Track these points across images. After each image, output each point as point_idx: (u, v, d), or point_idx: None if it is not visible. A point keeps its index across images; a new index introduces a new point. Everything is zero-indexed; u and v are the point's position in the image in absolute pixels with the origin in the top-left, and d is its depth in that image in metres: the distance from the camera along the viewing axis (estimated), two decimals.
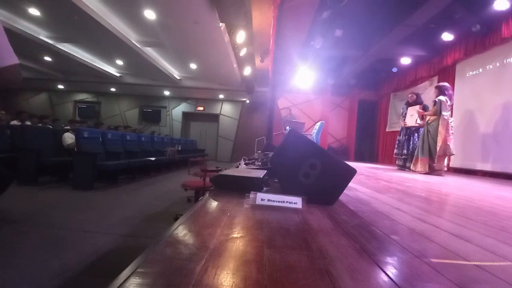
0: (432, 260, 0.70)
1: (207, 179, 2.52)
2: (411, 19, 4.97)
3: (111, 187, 4.62)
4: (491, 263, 0.73)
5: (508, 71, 4.74)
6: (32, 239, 2.18)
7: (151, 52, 8.66)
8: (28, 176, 4.27)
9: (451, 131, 4.34)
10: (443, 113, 4.30)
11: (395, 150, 5.41)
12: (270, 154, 2.28)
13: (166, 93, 13.13)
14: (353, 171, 1.29)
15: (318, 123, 6.93)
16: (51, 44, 7.92)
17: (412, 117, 5.04)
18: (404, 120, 5.24)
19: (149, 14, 6.16)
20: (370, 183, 2.59)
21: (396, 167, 5.40)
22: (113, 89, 13.10)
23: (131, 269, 0.52)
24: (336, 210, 1.21)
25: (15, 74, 1.22)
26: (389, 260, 0.69)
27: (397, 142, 5.41)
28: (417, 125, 4.94)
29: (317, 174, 1.27)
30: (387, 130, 9.09)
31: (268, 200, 1.14)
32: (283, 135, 5.97)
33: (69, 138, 5.15)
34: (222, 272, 0.54)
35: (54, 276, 1.60)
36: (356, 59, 7.38)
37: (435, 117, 4.39)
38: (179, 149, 8.59)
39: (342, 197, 1.46)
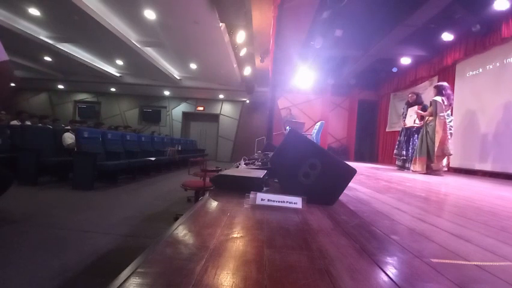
0: (432, 260, 0.70)
1: (207, 179, 2.52)
2: (411, 19, 4.97)
3: (111, 187, 4.62)
4: (491, 263, 0.73)
5: (508, 71, 4.74)
6: (32, 239, 2.18)
7: (151, 52, 8.66)
8: (28, 176, 4.27)
9: (448, 131, 4.34)
10: (439, 113, 4.30)
11: (395, 151, 5.42)
12: (270, 154, 2.28)
13: (166, 93, 13.13)
14: (353, 171, 1.29)
15: (318, 123, 6.93)
16: (51, 44, 7.93)
17: (411, 118, 5.04)
18: (404, 120, 5.25)
19: (149, 14, 6.16)
20: (370, 183, 2.59)
21: (396, 167, 5.41)
22: (113, 89, 13.10)
23: (131, 269, 0.52)
24: (336, 210, 1.21)
25: (6, 71, 1.22)
26: (389, 260, 0.69)
27: (397, 142, 5.42)
28: (416, 125, 4.95)
29: (317, 174, 1.27)
30: (387, 130, 9.09)
31: (268, 200, 1.14)
32: (283, 135, 5.97)
33: (69, 138, 5.15)
34: (222, 272, 0.54)
35: (55, 276, 1.60)
36: (356, 59, 7.38)
37: (433, 117, 4.40)
38: (179, 149, 8.59)
39: (342, 197, 1.46)
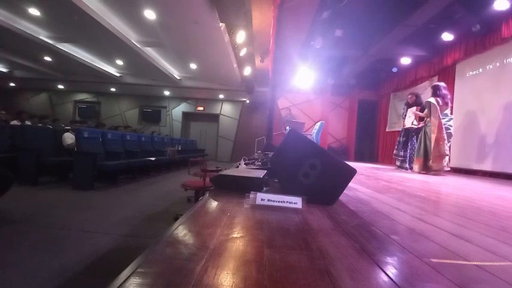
0: (432, 260, 0.70)
1: (207, 179, 2.52)
2: (411, 19, 4.97)
3: (111, 187, 4.62)
4: (491, 263, 0.73)
5: (508, 71, 4.74)
6: (32, 239, 2.18)
7: (151, 52, 8.66)
8: (28, 176, 4.27)
9: (447, 131, 4.33)
10: (434, 114, 4.31)
11: (394, 151, 5.45)
12: (270, 154, 2.28)
13: (166, 93, 13.13)
14: (353, 171, 1.29)
15: (318, 123, 6.93)
16: (51, 44, 7.92)
17: (410, 119, 5.06)
18: (404, 121, 5.26)
19: (149, 14, 6.16)
20: (370, 183, 2.59)
21: (395, 167, 5.43)
22: (113, 89, 13.10)
23: (131, 269, 0.52)
24: (336, 210, 1.21)
25: None
26: (389, 260, 0.69)
27: (397, 143, 5.44)
28: (414, 126, 4.96)
29: (317, 174, 1.27)
30: (387, 130, 9.09)
31: (268, 200, 1.14)
32: (283, 135, 5.97)
33: (69, 138, 5.15)
34: (222, 272, 0.54)
35: (55, 276, 1.60)
36: (356, 59, 7.38)
37: (429, 118, 4.42)
38: (179, 149, 8.59)
39: (342, 197, 1.46)
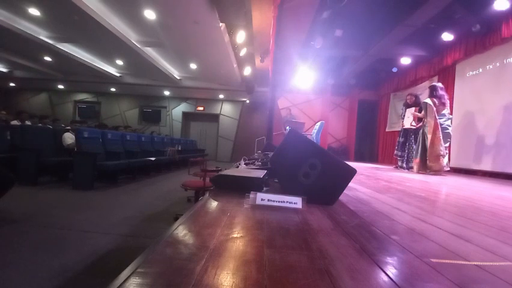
0: (432, 260, 0.70)
1: (207, 179, 2.52)
2: (411, 19, 4.97)
3: (111, 187, 4.62)
4: (491, 263, 0.73)
5: (508, 71, 4.74)
6: (32, 239, 2.18)
7: (151, 52, 8.66)
8: (28, 176, 4.27)
9: (445, 131, 4.33)
10: (430, 115, 4.31)
11: (395, 151, 5.47)
12: (270, 154, 2.28)
13: (166, 93, 13.13)
14: (353, 171, 1.29)
15: (318, 123, 6.93)
16: (51, 44, 7.92)
17: (408, 119, 5.07)
18: (403, 121, 5.27)
19: (149, 14, 6.16)
20: (370, 183, 2.59)
21: (395, 167, 5.45)
22: (113, 89, 13.10)
23: (131, 269, 0.52)
24: (336, 210, 1.21)
25: None
26: (389, 260, 0.69)
27: (397, 143, 5.46)
28: (412, 127, 4.97)
29: (317, 174, 1.27)
30: (387, 130, 9.09)
31: (268, 200, 1.14)
32: (283, 135, 5.97)
33: (69, 138, 5.15)
34: (222, 272, 0.54)
35: (55, 276, 1.60)
36: (356, 59, 7.38)
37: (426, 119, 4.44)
38: (179, 149, 8.59)
39: (342, 197, 1.46)
